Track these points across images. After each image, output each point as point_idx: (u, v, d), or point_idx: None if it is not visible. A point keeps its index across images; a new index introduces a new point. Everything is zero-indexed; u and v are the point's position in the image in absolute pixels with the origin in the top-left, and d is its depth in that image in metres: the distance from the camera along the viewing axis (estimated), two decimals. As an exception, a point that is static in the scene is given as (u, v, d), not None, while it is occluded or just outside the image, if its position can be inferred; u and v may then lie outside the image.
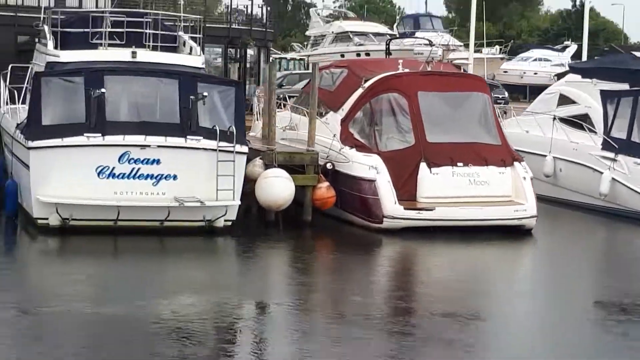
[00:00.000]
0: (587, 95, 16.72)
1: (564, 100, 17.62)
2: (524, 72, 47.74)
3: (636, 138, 15.21)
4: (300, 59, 39.89)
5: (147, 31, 13.55)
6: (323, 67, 16.23)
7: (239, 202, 12.00)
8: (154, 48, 13.50)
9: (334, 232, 13.32)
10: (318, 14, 49.64)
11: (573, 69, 18.73)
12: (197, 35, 14.59)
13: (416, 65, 14.86)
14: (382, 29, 41.62)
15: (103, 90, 11.09)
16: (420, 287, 10.30)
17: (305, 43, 48.08)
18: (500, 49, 42.64)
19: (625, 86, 16.02)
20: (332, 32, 38.34)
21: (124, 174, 11.46)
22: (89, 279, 9.43)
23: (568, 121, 16.80)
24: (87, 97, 11.37)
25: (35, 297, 8.49)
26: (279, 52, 45.17)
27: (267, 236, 12.92)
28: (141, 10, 17.99)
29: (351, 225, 13.08)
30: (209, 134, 11.65)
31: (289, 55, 52.75)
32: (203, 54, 15.06)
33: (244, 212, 12.81)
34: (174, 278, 9.80)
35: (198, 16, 18.01)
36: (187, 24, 16.00)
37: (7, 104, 16.31)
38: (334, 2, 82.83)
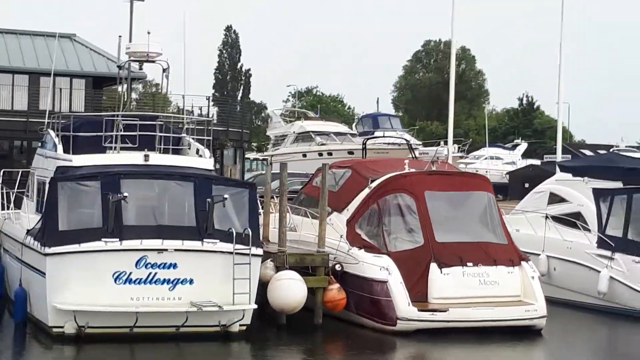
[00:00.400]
0: (579, 194, 17.14)
1: (554, 198, 18.07)
2: (477, 171, 49.38)
3: (632, 236, 15.49)
4: (264, 159, 40.19)
5: (158, 134, 13.82)
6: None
7: (255, 306, 11.92)
8: (165, 151, 13.74)
9: (346, 335, 13.19)
10: (280, 115, 50.60)
11: (563, 168, 19.37)
12: (205, 137, 14.79)
13: (421, 165, 15.22)
14: (342, 128, 42.55)
15: (126, 194, 11.16)
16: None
17: (265, 143, 48.65)
18: (459, 148, 43.90)
19: (618, 184, 16.55)
20: (294, 132, 38.95)
21: (141, 279, 11.36)
22: None
23: (560, 219, 17.11)
24: (104, 201, 11.42)
25: None
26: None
27: (279, 340, 12.89)
28: (152, 114, 18.31)
29: (362, 327, 13.01)
30: (225, 236, 11.69)
31: (251, 156, 53.34)
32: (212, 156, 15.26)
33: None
34: None
35: (205, 118, 18.45)
36: (190, 127, 16.28)
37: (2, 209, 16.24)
38: (284, 102, 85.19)
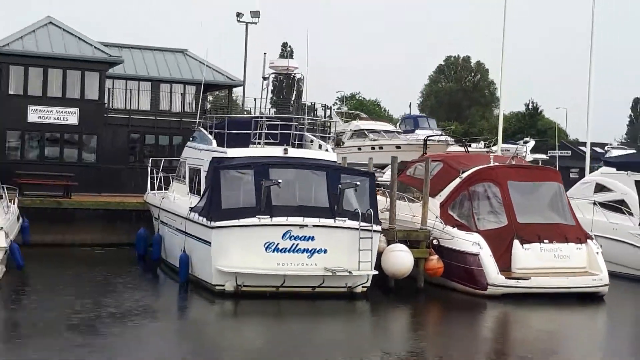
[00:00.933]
0: (623, 184, 16.95)
1: (599, 188, 17.82)
2: (497, 164, 48.92)
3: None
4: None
5: (292, 132, 14.06)
6: (415, 162, 16.61)
7: (376, 272, 12.07)
8: (298, 146, 13.93)
9: (443, 297, 13.22)
10: (339, 115, 50.77)
11: (608, 163, 19.04)
12: (326, 135, 14.91)
13: (504, 160, 15.25)
14: (390, 127, 42.36)
15: (280, 180, 11.39)
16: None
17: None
18: (485, 144, 43.32)
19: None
20: (350, 129, 38.72)
21: (286, 248, 11.64)
22: (259, 335, 9.95)
23: (605, 205, 16.90)
24: (256, 185, 11.67)
25: (216, 347, 8.92)
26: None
27: (391, 300, 12.96)
28: (291, 116, 18.59)
29: (456, 292, 13.07)
30: (352, 215, 11.88)
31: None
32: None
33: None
34: (327, 335, 10.15)
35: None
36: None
37: (153, 189, 16.64)
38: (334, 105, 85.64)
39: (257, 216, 11.50)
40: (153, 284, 14.56)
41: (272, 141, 13.61)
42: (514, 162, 14.89)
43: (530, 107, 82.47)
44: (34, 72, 22.32)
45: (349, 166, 17.60)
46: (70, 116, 22.43)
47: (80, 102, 22.65)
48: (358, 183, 11.87)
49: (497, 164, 14.44)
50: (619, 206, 16.57)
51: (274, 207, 11.60)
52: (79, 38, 23.77)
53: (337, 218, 11.77)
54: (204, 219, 11.89)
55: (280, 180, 11.36)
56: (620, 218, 16.37)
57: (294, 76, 15.24)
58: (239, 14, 32.25)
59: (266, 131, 13.45)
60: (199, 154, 14.47)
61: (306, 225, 11.57)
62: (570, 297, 12.69)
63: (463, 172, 14.06)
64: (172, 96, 26.03)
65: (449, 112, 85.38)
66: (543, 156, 53.48)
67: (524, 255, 12.80)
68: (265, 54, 15.37)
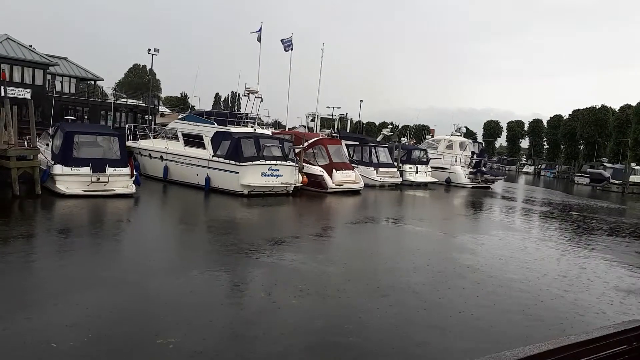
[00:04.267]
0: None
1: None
2: None
3: None
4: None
5: (257, 122, 26.64)
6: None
7: (298, 184, 26.62)
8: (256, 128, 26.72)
9: (311, 193, 28.59)
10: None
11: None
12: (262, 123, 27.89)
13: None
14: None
15: (267, 144, 24.76)
16: None
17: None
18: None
19: None
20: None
21: (269, 174, 25.03)
22: (258, 210, 23.65)
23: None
24: (256, 145, 24.64)
25: (242, 214, 22.91)
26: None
27: (300, 195, 27.55)
28: (242, 112, 29.12)
29: (313, 191, 28.67)
30: (290, 160, 26.03)
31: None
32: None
33: None
34: (283, 210, 24.61)
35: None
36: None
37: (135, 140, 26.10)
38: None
39: (258, 161, 24.38)
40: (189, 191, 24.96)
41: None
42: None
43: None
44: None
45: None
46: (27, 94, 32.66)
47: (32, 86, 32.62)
48: (285, 144, 25.91)
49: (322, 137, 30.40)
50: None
51: (264, 156, 24.68)
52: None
53: (287, 161, 25.66)
54: (233, 161, 23.90)
55: (267, 144, 24.58)
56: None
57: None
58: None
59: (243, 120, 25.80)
60: (199, 128, 25.53)
61: (277, 165, 25.14)
62: (353, 193, 29.90)
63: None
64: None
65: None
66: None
67: (337, 175, 29.36)
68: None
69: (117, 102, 45.45)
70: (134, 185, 21.14)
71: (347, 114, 56.11)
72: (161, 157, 26.82)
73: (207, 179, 24.41)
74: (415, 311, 9.19)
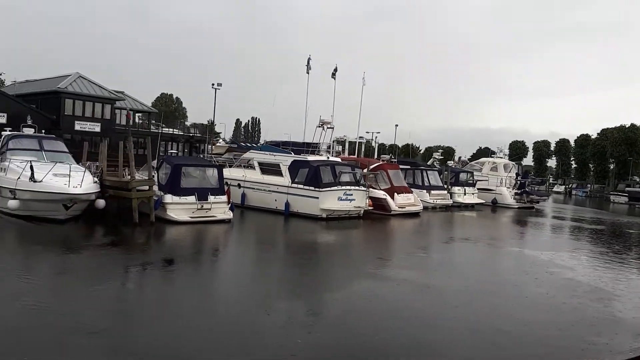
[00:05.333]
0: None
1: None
2: None
3: None
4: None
5: (332, 150, 28.47)
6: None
7: (367, 208, 28.21)
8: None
9: (378, 216, 30.15)
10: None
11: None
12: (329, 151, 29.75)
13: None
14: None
15: (342, 170, 26.48)
16: None
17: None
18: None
19: None
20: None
21: (344, 199, 26.65)
22: (335, 230, 25.12)
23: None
24: (333, 171, 26.35)
25: (324, 231, 24.43)
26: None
27: (366, 217, 29.12)
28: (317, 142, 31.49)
29: (376, 214, 30.22)
30: (360, 184, 27.63)
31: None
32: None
33: None
34: (357, 231, 26.14)
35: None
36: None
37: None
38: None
39: (335, 186, 26.06)
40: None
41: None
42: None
43: None
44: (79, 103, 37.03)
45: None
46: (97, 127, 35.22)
47: (101, 120, 36.12)
48: (356, 170, 27.63)
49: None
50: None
51: (340, 182, 26.38)
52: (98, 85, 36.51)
53: (359, 186, 27.29)
54: (313, 187, 25.61)
55: (342, 170, 26.32)
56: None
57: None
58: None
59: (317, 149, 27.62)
60: (276, 157, 27.42)
61: (351, 189, 26.79)
62: (413, 215, 31.37)
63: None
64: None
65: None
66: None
67: (399, 198, 30.89)
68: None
69: (175, 133, 47.99)
70: (230, 211, 22.91)
71: (375, 137, 57.72)
72: (239, 184, 28.61)
73: (287, 204, 26.10)
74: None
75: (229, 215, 22.70)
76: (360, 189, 27.12)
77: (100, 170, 21.31)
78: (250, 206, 28.10)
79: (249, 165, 29.80)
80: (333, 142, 31.39)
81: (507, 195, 43.27)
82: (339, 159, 29.49)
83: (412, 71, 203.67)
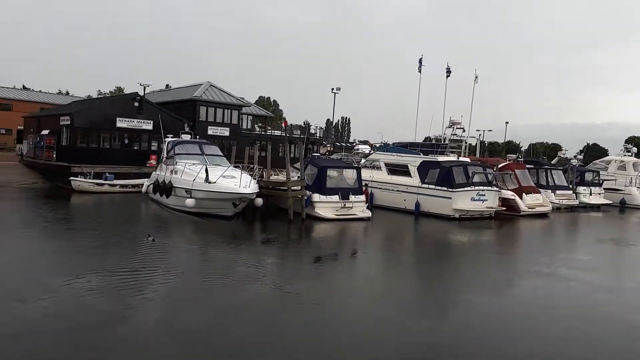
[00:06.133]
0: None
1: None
2: None
3: None
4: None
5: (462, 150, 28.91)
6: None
7: (498, 208, 28.14)
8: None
9: (507, 216, 29.94)
10: None
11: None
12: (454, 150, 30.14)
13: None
14: None
15: (475, 170, 26.66)
16: None
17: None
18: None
19: None
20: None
21: (477, 199, 26.77)
22: (472, 229, 25.12)
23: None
24: (465, 172, 26.61)
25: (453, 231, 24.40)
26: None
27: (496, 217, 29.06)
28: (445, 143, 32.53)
29: (505, 214, 29.94)
30: (492, 184, 27.60)
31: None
32: None
33: None
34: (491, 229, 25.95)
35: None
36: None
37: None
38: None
39: (468, 187, 26.34)
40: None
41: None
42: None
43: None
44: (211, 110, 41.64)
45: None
46: (226, 132, 39.47)
47: (229, 125, 40.65)
48: (487, 170, 27.64)
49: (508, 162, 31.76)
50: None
51: (473, 183, 26.60)
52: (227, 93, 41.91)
53: (491, 186, 27.34)
54: (445, 187, 26.11)
55: (475, 171, 26.51)
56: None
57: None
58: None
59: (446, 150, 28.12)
60: (403, 158, 28.21)
61: (483, 190, 26.92)
62: (542, 216, 30.69)
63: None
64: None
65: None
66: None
67: (527, 199, 30.38)
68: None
69: (292, 135, 50.36)
70: (368, 210, 24.08)
71: (480, 135, 56.09)
72: (366, 185, 29.71)
73: (417, 204, 26.77)
74: None
75: (368, 213, 23.86)
76: (492, 189, 27.13)
77: (261, 172, 23.37)
78: (378, 205, 29.05)
79: (373, 166, 30.85)
80: (463, 143, 31.48)
81: (638, 196, 40.63)
82: (468, 160, 29.63)
83: (504, 67, 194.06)
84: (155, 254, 14.31)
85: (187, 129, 27.09)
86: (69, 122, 34.27)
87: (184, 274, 11.94)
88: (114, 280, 10.94)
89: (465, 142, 35.24)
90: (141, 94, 36.19)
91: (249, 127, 48.72)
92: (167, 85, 76.61)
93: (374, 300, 10.81)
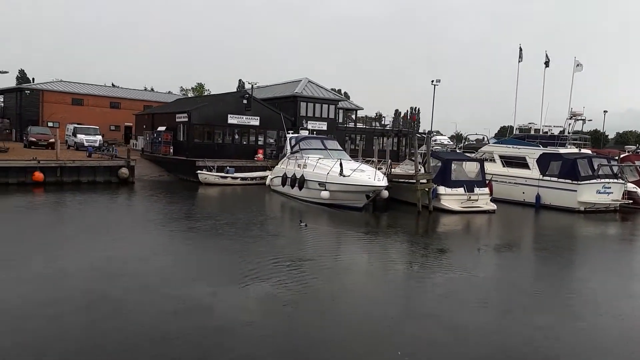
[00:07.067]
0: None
1: None
2: None
3: None
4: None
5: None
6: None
7: (624, 201, 26.91)
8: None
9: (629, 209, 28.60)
10: None
11: None
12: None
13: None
14: None
15: (599, 163, 25.60)
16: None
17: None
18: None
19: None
20: None
21: (602, 192, 25.77)
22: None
23: None
24: (589, 163, 25.64)
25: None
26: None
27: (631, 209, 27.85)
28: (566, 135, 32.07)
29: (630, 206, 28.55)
30: (617, 177, 26.45)
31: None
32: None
33: None
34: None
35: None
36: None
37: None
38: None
39: (594, 179, 25.40)
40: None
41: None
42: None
43: None
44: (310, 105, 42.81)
45: None
46: (323, 126, 42.12)
47: (327, 119, 41.90)
48: (612, 163, 26.44)
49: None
50: None
51: (599, 175, 25.62)
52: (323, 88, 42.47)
53: (617, 179, 26.18)
54: (570, 180, 25.33)
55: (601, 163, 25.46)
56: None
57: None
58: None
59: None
60: (520, 150, 27.58)
61: (609, 182, 25.85)
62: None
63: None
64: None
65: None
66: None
67: (650, 190, 28.80)
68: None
69: (386, 128, 50.63)
70: (493, 203, 23.87)
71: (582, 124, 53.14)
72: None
73: (538, 197, 26.14)
74: None
75: (493, 206, 23.66)
76: (618, 182, 26.00)
77: (390, 166, 23.84)
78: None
79: (487, 159, 30.38)
80: (571, 133, 30.30)
81: None
82: (589, 152, 28.56)
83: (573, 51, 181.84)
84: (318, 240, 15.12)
85: (306, 126, 28.07)
86: (186, 119, 36.40)
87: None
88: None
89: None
90: (249, 92, 37.73)
91: (340, 120, 49.49)
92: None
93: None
